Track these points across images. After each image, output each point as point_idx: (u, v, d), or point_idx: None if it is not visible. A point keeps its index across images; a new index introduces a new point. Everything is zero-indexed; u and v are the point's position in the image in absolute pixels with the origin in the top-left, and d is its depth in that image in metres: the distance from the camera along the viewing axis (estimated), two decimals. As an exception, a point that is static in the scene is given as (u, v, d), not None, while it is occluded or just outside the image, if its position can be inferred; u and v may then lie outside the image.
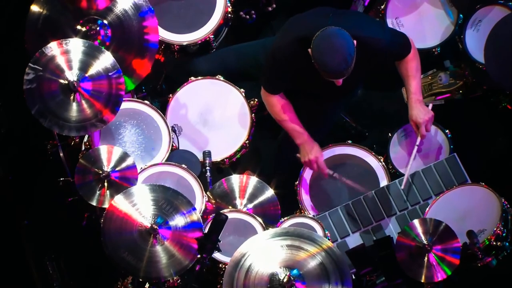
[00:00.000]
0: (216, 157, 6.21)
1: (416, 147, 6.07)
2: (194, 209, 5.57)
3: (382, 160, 6.23)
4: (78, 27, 5.88)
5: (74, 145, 6.10)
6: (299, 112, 6.05)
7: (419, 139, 6.05)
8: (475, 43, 6.20)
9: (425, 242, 5.57)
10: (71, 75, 5.67)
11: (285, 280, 5.31)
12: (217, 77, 6.30)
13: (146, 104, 6.13)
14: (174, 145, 6.17)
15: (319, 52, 5.57)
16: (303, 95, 6.11)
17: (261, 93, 6.04)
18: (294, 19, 5.89)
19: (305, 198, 6.21)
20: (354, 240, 6.13)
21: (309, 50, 5.60)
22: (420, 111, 5.99)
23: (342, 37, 5.57)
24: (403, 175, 6.15)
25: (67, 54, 5.69)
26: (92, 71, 5.70)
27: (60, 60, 5.68)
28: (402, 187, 6.08)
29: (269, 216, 6.06)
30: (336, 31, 5.57)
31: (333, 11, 5.79)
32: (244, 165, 6.45)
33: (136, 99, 6.18)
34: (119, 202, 5.53)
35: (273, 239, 5.47)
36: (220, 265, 5.85)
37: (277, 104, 6.02)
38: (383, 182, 6.19)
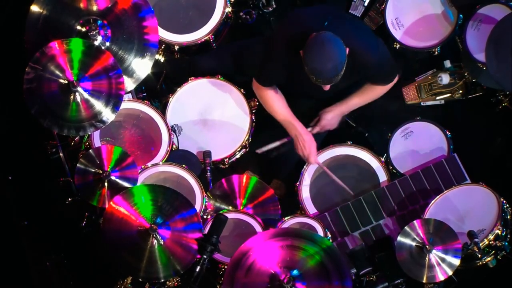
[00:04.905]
0: (216, 157, 6.21)
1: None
2: (194, 209, 5.56)
3: (382, 160, 6.23)
4: (78, 27, 5.88)
5: (74, 145, 6.10)
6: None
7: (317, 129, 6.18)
8: (476, 42, 6.19)
9: (425, 242, 5.57)
10: (71, 75, 5.67)
11: (285, 280, 5.31)
12: (217, 77, 6.30)
13: (146, 104, 6.13)
14: (174, 145, 6.17)
15: (311, 57, 5.56)
16: (296, 95, 6.12)
17: (253, 86, 6.07)
18: (293, 15, 5.90)
19: (306, 198, 6.21)
20: (354, 240, 6.13)
21: (301, 52, 5.60)
22: (333, 119, 6.16)
23: (335, 44, 5.55)
24: (403, 175, 6.16)
25: (67, 54, 5.68)
26: (92, 71, 5.70)
27: (60, 60, 5.67)
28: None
29: (269, 216, 6.06)
30: (330, 38, 5.55)
31: (333, 13, 5.77)
32: (244, 165, 6.44)
33: (136, 99, 6.18)
34: (119, 202, 5.53)
35: (273, 239, 5.46)
36: (220, 265, 5.85)
37: (269, 97, 6.03)
38: (383, 182, 6.19)
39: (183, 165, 6.00)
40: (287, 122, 6.06)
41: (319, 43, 5.55)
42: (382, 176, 6.21)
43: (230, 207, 6.06)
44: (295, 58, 5.67)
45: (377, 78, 6.03)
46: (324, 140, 6.35)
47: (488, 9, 6.19)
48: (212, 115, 6.30)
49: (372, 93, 6.12)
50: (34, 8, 5.86)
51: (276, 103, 6.05)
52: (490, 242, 5.89)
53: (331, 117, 6.19)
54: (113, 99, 5.73)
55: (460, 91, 6.47)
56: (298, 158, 6.25)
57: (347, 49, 5.61)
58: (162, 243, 5.47)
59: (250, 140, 6.29)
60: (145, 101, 6.14)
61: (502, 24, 5.94)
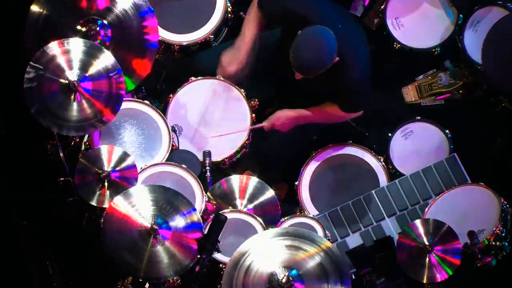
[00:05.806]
0: (216, 157, 6.21)
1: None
2: (194, 209, 5.56)
3: (382, 160, 6.23)
4: (78, 27, 5.87)
5: (74, 145, 6.09)
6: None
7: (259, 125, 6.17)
8: (473, 44, 6.21)
9: (426, 242, 5.57)
10: (72, 74, 5.66)
11: (284, 280, 5.31)
12: (217, 77, 6.30)
13: (146, 104, 6.13)
14: (174, 145, 6.16)
15: (301, 41, 5.56)
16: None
17: (252, 2, 6.03)
18: (319, 2, 5.84)
19: (305, 198, 6.21)
20: (354, 240, 6.14)
21: (299, 32, 5.59)
22: (283, 120, 6.06)
23: (329, 45, 5.55)
24: (403, 175, 6.16)
25: (68, 54, 5.67)
26: (92, 71, 5.69)
27: (61, 60, 5.66)
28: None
29: (269, 216, 6.05)
30: (330, 37, 5.54)
31: (352, 26, 5.78)
32: (244, 165, 6.44)
33: (136, 99, 6.18)
34: (119, 202, 5.52)
35: (273, 239, 5.46)
36: (220, 265, 5.85)
37: (254, 20, 6.00)
38: (383, 182, 6.19)
39: (183, 165, 6.00)
40: (240, 42, 6.07)
41: (318, 33, 5.55)
42: (382, 176, 6.21)
43: (230, 207, 6.06)
44: (292, 32, 5.65)
45: (338, 99, 5.97)
46: (324, 140, 6.35)
47: (485, 11, 6.20)
48: (212, 115, 6.29)
49: (328, 112, 6.01)
50: (34, 8, 5.84)
51: (253, 28, 6.02)
52: (490, 243, 5.89)
53: (282, 117, 6.09)
54: (114, 99, 5.73)
55: (460, 91, 6.47)
56: (293, 154, 6.29)
57: (337, 58, 5.60)
58: (162, 243, 5.47)
59: (250, 140, 6.29)
60: (145, 101, 6.14)
61: (498, 25, 5.95)
